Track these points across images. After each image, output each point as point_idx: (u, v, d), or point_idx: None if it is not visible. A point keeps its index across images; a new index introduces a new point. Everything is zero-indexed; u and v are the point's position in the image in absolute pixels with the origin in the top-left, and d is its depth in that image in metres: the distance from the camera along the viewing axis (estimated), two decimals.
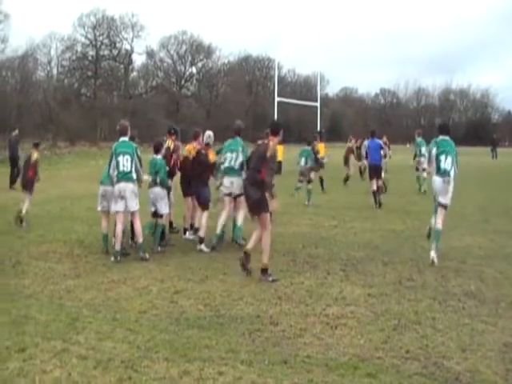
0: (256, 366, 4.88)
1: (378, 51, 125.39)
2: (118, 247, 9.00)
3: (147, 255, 9.06)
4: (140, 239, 9.18)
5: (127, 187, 9.01)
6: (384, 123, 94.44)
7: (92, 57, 69.04)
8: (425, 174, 17.58)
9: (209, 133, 10.46)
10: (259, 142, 8.51)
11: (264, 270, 7.82)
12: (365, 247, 9.93)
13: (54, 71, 66.82)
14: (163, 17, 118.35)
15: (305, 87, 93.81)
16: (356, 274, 8.06)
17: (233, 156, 9.89)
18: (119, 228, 9.07)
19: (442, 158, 8.94)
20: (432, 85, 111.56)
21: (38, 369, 4.84)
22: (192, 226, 10.93)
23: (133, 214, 9.27)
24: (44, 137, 51.02)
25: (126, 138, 9.25)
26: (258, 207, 7.93)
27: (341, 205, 15.96)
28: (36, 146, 12.91)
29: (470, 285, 7.41)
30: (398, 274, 8.02)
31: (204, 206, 10.07)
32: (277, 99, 31.10)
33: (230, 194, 9.92)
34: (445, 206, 8.96)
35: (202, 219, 9.97)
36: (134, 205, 9.13)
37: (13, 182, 19.99)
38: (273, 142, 8.13)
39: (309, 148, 16.35)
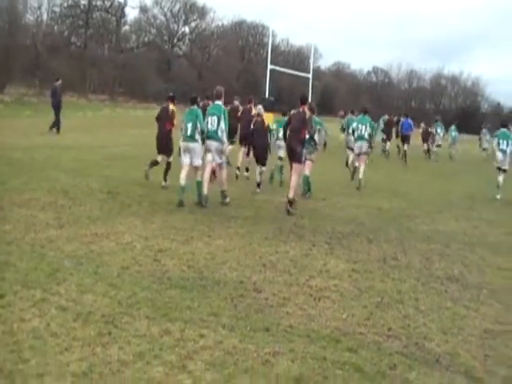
0: (237, 332, 4.85)
1: (374, 30, 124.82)
2: (206, 191, 10.28)
3: (227, 200, 10.66)
4: (223, 187, 10.69)
5: (213, 144, 10.35)
6: (375, 101, 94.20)
7: (84, 6, 67.37)
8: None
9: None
10: (293, 111, 11.14)
11: (290, 202, 10.29)
12: (350, 222, 9.92)
13: (44, 17, 65.15)
14: None
15: (298, 58, 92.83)
16: (341, 248, 8.04)
17: (214, 119, 10.30)
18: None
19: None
20: (424, 68, 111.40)
21: (16, 316, 4.76)
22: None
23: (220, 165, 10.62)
24: (31, 83, 50.11)
25: (219, 102, 10.53)
26: (297, 158, 10.59)
27: (329, 178, 15.91)
28: (172, 99, 12.47)
29: (453, 269, 7.43)
30: (382, 252, 8.02)
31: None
32: (269, 67, 30.83)
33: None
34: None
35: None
36: (218, 158, 10.47)
37: (55, 126, 22.04)
38: (304, 109, 10.75)
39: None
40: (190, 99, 10.84)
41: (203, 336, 4.70)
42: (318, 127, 12.24)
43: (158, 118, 12.31)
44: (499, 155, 15.33)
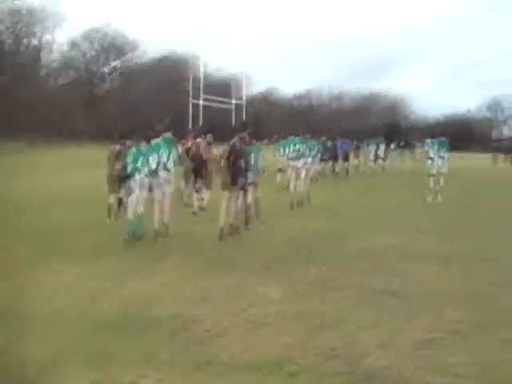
0: (178, 368, 4.77)
1: (303, 53, 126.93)
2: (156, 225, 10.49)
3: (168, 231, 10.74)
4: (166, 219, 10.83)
5: (162, 176, 10.52)
6: (307, 123, 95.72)
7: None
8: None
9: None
10: (233, 140, 11.03)
11: (233, 228, 11.10)
12: (288, 245, 9.98)
13: None
14: (86, 8, 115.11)
15: (229, 86, 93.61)
16: (280, 272, 8.05)
17: (163, 152, 10.49)
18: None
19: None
20: (354, 87, 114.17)
21: None
22: None
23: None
24: None
25: (168, 134, 10.74)
26: (237, 184, 10.94)
27: (267, 202, 15.95)
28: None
29: (391, 283, 7.55)
30: (321, 273, 8.07)
31: None
32: (201, 97, 30.95)
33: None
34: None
35: None
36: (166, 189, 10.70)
37: None
38: (243, 136, 11.18)
39: None
40: (144, 136, 10.65)
41: (144, 376, 4.59)
42: (257, 154, 12.42)
43: (109, 159, 12.13)
44: (439, 162, 17.13)
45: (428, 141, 18.24)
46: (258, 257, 9.00)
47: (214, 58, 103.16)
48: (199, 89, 33.93)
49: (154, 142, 10.58)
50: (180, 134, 15.46)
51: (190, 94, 31.05)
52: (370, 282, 7.63)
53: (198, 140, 14.64)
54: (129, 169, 10.11)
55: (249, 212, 12.08)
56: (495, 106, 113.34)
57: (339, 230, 11.81)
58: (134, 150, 10.24)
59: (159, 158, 10.41)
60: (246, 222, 11.85)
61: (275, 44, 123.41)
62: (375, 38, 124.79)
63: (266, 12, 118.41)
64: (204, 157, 13.88)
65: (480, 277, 8.03)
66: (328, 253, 9.45)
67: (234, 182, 10.92)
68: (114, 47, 78.99)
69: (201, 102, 35.82)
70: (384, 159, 31.69)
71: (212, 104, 42.13)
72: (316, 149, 17.88)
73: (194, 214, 13.61)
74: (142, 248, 9.67)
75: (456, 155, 28.35)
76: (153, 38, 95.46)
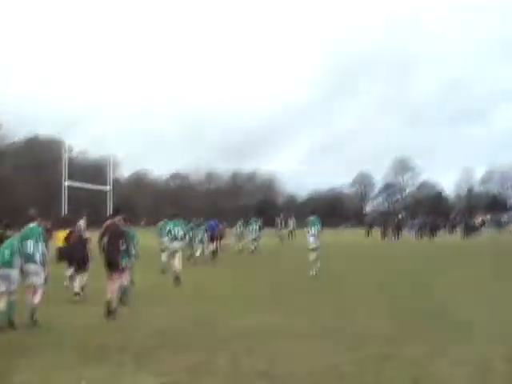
0: None
1: (171, 136, 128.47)
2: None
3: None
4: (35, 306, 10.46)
5: (31, 267, 10.40)
6: (176, 205, 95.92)
7: None
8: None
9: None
10: (107, 222, 11.68)
11: (110, 312, 11.00)
12: (158, 333, 9.77)
13: None
14: None
15: (96, 170, 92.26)
16: (149, 362, 7.85)
17: (31, 242, 10.43)
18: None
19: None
20: (222, 168, 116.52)
21: None
22: None
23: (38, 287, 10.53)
24: None
25: (34, 224, 10.73)
26: (116, 267, 11.38)
27: (140, 288, 15.61)
28: None
29: (261, 363, 7.60)
30: (191, 360, 7.96)
31: None
32: (67, 183, 30.22)
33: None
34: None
35: None
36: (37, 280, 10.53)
37: None
38: (118, 220, 11.80)
39: None
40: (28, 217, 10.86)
41: None
42: (131, 239, 13.00)
43: None
44: (310, 239, 18.53)
45: (310, 218, 19.50)
46: (128, 347, 8.73)
47: (80, 141, 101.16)
48: (70, 171, 33.17)
49: (20, 232, 10.67)
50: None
51: (64, 176, 30.26)
52: (240, 364, 7.63)
53: (80, 223, 15.47)
54: None
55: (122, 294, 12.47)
56: (365, 181, 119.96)
57: (213, 312, 11.78)
58: None
59: (24, 249, 10.38)
60: (123, 303, 12.25)
61: (145, 124, 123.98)
62: (246, 116, 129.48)
63: (135, 89, 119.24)
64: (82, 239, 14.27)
65: (349, 353, 8.28)
66: (200, 338, 9.37)
67: (110, 263, 11.42)
68: None
69: (67, 183, 34.73)
70: (257, 239, 32.35)
71: (86, 186, 41.35)
72: (189, 230, 18.70)
73: (78, 295, 13.66)
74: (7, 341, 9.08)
75: (331, 231, 29.81)
76: (16, 119, 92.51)
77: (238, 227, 32.59)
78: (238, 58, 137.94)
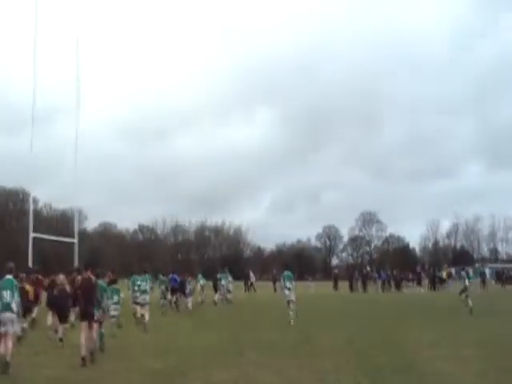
0: None
1: (138, 187, 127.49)
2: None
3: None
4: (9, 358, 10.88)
5: (7, 315, 11.00)
6: (143, 258, 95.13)
7: None
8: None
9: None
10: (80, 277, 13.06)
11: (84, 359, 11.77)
12: None
13: None
14: None
15: (62, 222, 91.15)
16: None
17: (7, 293, 11.13)
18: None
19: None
20: (189, 221, 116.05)
21: None
22: None
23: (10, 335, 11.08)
24: None
25: (10, 276, 11.44)
26: (91, 317, 12.33)
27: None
28: None
29: None
30: None
31: None
32: (32, 235, 29.78)
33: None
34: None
35: None
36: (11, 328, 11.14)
37: None
38: (89, 274, 12.71)
39: None
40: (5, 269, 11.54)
41: None
42: (102, 292, 13.54)
43: None
44: (286, 292, 19.82)
45: (285, 273, 20.65)
46: None
47: (45, 192, 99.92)
48: (35, 223, 32.78)
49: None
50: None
51: (31, 227, 29.85)
52: None
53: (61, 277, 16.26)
54: None
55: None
56: (331, 233, 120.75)
57: (175, 367, 11.69)
58: None
59: (2, 297, 11.11)
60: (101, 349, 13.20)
61: (112, 175, 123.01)
62: (212, 169, 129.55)
63: (101, 140, 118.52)
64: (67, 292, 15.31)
65: None
66: None
67: (86, 314, 12.38)
68: None
69: (41, 235, 34.23)
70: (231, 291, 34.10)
71: (52, 238, 40.79)
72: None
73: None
74: None
75: (299, 284, 30.30)
76: None
77: (200, 280, 33.60)
78: (200, 109, 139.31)
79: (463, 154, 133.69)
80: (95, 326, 12.81)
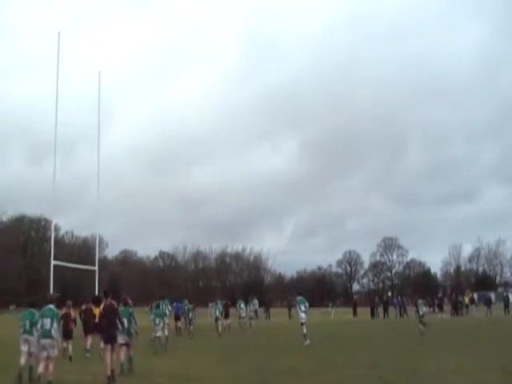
0: None
1: (160, 215, 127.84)
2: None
3: None
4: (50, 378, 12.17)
5: (47, 341, 12.33)
6: (163, 285, 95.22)
7: None
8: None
9: None
10: (102, 304, 14.22)
11: (110, 377, 12.92)
12: None
13: None
14: None
15: (83, 250, 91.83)
16: None
17: (48, 321, 12.35)
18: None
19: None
20: (209, 248, 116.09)
21: None
22: None
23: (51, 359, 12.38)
24: None
25: (52, 306, 12.73)
26: (114, 341, 13.72)
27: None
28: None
29: None
30: None
31: None
32: (53, 263, 29.95)
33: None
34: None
35: None
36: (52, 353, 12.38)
37: None
38: (111, 301, 14.04)
39: None
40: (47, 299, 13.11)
41: None
42: (129, 318, 14.89)
43: None
44: (302, 315, 22.24)
45: (298, 298, 23.53)
46: None
47: (67, 220, 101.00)
48: (56, 250, 33.04)
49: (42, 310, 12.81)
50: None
51: (52, 255, 30.05)
52: None
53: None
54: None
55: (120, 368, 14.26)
56: (352, 259, 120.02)
57: None
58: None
59: (44, 324, 12.40)
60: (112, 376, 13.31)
61: (133, 203, 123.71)
62: (234, 196, 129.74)
63: (120, 170, 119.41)
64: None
65: None
66: None
67: (110, 338, 13.58)
68: None
69: (62, 263, 34.36)
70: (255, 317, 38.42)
71: (73, 266, 41.05)
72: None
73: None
74: None
75: (319, 311, 30.81)
76: (3, 199, 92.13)
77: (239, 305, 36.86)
78: (223, 137, 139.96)
79: (486, 179, 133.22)
80: (124, 348, 14.53)
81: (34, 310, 13.48)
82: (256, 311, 41.85)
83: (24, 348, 13.23)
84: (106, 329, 13.74)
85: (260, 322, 40.25)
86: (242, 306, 36.71)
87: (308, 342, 21.49)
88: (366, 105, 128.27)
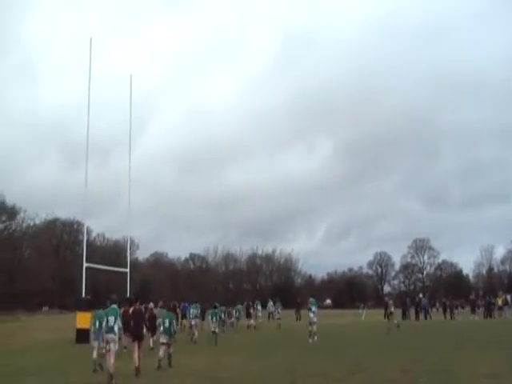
0: None
1: (190, 218, 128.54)
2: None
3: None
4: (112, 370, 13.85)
5: (110, 336, 14.18)
6: (193, 287, 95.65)
7: None
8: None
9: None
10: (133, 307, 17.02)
11: (138, 370, 15.06)
12: None
13: None
14: None
15: (114, 252, 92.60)
16: None
17: (111, 319, 14.21)
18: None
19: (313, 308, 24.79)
20: (240, 250, 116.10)
21: None
22: None
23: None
24: None
25: (115, 306, 14.63)
26: (142, 338, 16.27)
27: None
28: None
29: None
30: None
31: None
32: (85, 265, 30.25)
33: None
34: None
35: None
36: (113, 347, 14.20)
37: None
38: (138, 305, 17.25)
39: None
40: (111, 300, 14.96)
41: None
42: (171, 320, 17.12)
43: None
44: (311, 315, 24.64)
45: (310, 299, 26.08)
46: None
47: (99, 223, 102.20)
48: (89, 253, 33.46)
49: (107, 309, 14.85)
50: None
51: (84, 257, 30.36)
52: None
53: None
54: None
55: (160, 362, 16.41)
56: (383, 261, 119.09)
57: None
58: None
59: (108, 322, 14.25)
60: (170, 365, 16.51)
61: (164, 205, 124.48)
62: (264, 198, 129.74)
63: (153, 173, 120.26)
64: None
65: None
66: None
67: (137, 336, 15.94)
68: None
69: (94, 265, 34.69)
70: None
71: (105, 268, 41.45)
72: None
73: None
74: None
75: (350, 311, 31.53)
76: (32, 203, 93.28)
77: (255, 306, 40.20)
78: (256, 139, 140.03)
79: None
80: (164, 347, 16.73)
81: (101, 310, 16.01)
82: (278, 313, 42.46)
83: (95, 344, 16.28)
84: (135, 329, 16.00)
85: (290, 323, 40.15)
86: (259, 307, 40.88)
87: (311, 340, 23.63)
88: (399, 108, 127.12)
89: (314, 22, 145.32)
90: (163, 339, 16.89)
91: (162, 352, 16.68)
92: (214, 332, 25.37)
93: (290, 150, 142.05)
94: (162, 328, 17.12)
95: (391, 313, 33.02)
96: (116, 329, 14.17)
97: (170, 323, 16.99)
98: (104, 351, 14.61)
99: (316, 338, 24.01)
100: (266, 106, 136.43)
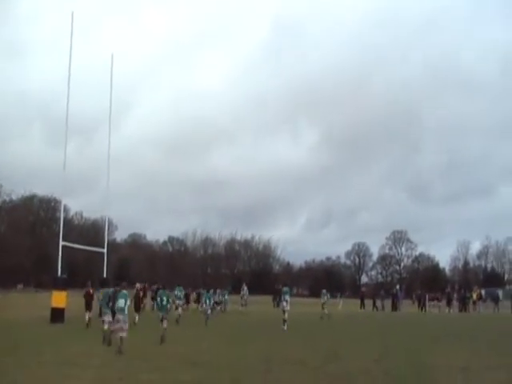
0: None
1: (171, 201, 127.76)
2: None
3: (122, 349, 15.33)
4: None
5: (121, 316, 16.18)
6: (171, 270, 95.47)
7: None
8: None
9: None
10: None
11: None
12: None
13: None
14: None
15: (92, 231, 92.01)
16: None
17: (122, 301, 16.12)
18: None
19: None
20: (219, 235, 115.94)
21: None
22: None
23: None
24: None
25: (125, 291, 16.68)
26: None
27: None
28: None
29: None
30: None
31: None
32: (61, 243, 29.79)
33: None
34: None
35: None
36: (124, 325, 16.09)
37: None
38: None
39: None
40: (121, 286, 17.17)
41: None
42: (166, 297, 19.36)
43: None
44: (284, 303, 25.28)
45: (284, 288, 26.59)
46: None
47: (78, 202, 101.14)
48: (66, 231, 33.00)
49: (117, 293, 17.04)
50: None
51: (61, 235, 29.85)
52: None
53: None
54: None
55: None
56: (361, 251, 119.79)
57: (201, 380, 11.51)
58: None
59: (119, 303, 16.22)
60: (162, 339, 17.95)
61: (144, 187, 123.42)
62: (245, 184, 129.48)
63: (135, 154, 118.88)
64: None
65: None
66: None
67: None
68: None
69: (71, 244, 34.10)
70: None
71: (82, 247, 40.82)
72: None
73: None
74: None
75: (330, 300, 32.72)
76: (9, 179, 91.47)
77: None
78: (241, 125, 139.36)
79: (499, 176, 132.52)
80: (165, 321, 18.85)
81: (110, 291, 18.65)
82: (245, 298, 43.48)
83: (107, 318, 18.11)
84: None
85: (269, 311, 40.13)
86: (226, 296, 41.36)
87: (285, 327, 23.91)
88: (384, 100, 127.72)
89: (305, 10, 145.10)
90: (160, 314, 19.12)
91: (165, 323, 18.68)
92: (206, 313, 27.55)
93: (275, 138, 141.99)
94: (160, 304, 19.41)
95: (324, 303, 34.65)
96: (126, 310, 16.18)
97: (167, 300, 19.41)
98: (115, 327, 16.55)
99: (286, 326, 24.07)
100: (253, 92, 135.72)
